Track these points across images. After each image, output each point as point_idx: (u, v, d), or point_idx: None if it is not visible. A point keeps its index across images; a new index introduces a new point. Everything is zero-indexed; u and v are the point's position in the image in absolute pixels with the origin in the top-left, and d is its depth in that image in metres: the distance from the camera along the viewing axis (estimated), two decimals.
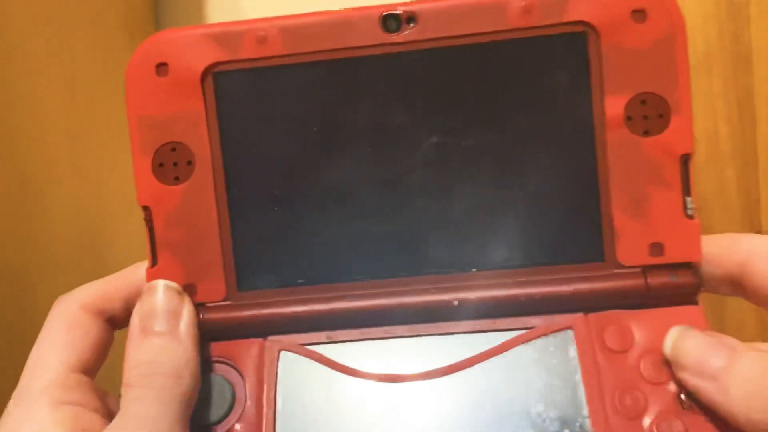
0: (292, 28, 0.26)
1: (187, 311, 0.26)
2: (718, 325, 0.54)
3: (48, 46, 0.41)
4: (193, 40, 0.26)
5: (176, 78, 0.27)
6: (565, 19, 0.25)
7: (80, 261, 0.44)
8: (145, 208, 0.27)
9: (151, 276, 0.27)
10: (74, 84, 0.45)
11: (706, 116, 0.49)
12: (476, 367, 0.26)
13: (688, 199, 0.26)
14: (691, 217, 0.26)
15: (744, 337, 0.26)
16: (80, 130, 0.45)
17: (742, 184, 0.49)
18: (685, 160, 0.26)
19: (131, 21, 0.50)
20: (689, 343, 0.24)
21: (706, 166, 0.50)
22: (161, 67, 0.27)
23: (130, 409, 0.24)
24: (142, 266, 0.28)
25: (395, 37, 0.26)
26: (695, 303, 0.26)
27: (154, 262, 0.27)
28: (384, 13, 0.26)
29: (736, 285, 0.26)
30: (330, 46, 0.26)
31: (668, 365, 0.25)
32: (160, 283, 0.27)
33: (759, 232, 0.51)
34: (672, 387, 0.25)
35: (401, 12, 0.26)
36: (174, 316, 0.26)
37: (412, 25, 0.26)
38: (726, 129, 0.49)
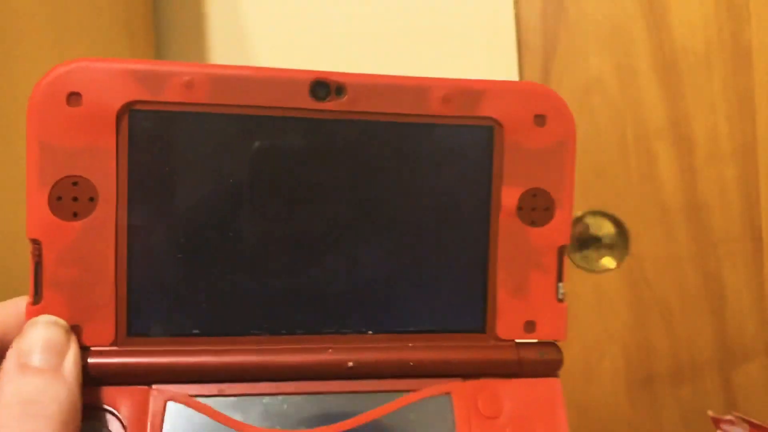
0: (221, 78, 0.26)
1: (73, 350, 0.25)
2: (719, 327, 0.55)
3: (48, 46, 0.39)
4: (114, 74, 0.25)
5: (89, 110, 0.25)
6: (478, 113, 0.28)
7: None
8: (35, 242, 0.25)
9: (33, 314, 0.25)
10: None
11: (706, 116, 0.50)
12: (361, 426, 0.27)
13: (560, 284, 0.29)
14: (561, 301, 0.29)
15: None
16: None
17: (742, 184, 0.51)
18: (562, 250, 0.29)
19: (131, 21, 0.46)
20: None
21: (706, 166, 0.51)
22: (73, 97, 0.25)
23: None
24: (22, 301, 0.26)
25: (321, 105, 0.27)
26: (557, 376, 0.29)
27: (37, 299, 0.25)
28: (314, 80, 0.27)
29: None
30: (257, 103, 0.26)
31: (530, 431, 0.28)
32: (44, 318, 0.25)
33: (759, 231, 0.52)
34: None
35: (331, 81, 0.27)
36: (58, 353, 0.24)
37: (340, 96, 0.27)
38: (726, 128, 0.50)
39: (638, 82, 0.59)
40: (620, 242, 0.61)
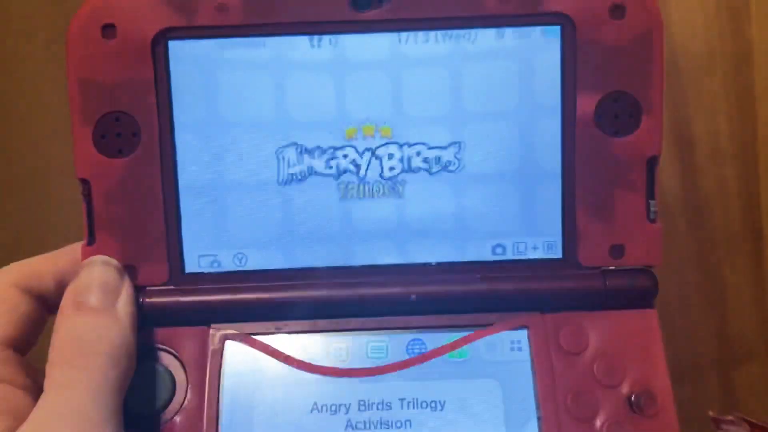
0: None
1: (126, 290, 0.24)
2: (719, 327, 0.54)
3: (48, 46, 0.40)
4: (145, 2, 0.24)
5: (124, 42, 0.24)
6: (542, 9, 0.24)
7: None
8: (84, 182, 0.25)
9: (87, 255, 0.25)
10: None
11: (706, 116, 0.49)
12: (427, 364, 0.25)
13: (652, 202, 0.25)
14: (653, 221, 0.25)
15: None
16: None
17: (742, 184, 0.49)
18: (653, 162, 0.25)
19: None
20: None
21: (707, 166, 0.50)
22: (108, 29, 0.24)
23: (55, 395, 0.21)
24: (79, 246, 0.26)
25: (363, 15, 0.24)
26: (652, 306, 0.26)
27: (91, 240, 0.25)
28: None
29: None
30: (294, 19, 0.24)
31: (621, 367, 0.25)
32: (99, 259, 0.25)
33: (759, 231, 0.51)
34: (624, 390, 0.25)
35: None
36: (112, 292, 0.24)
37: (382, 3, 0.24)
38: (726, 129, 0.49)
39: None
40: None
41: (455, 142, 0.25)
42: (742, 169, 0.49)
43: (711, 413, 0.45)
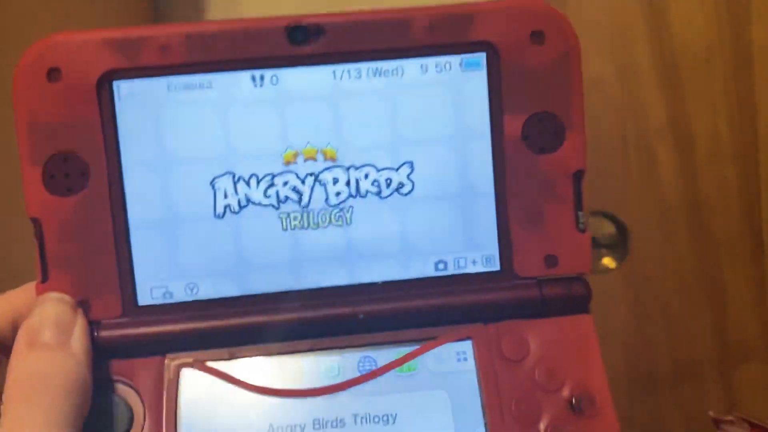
0: (195, 36, 0.26)
1: (80, 325, 0.25)
2: (719, 327, 0.54)
3: None
4: (89, 45, 0.25)
5: (70, 84, 0.25)
6: (468, 39, 0.26)
7: None
8: (35, 221, 0.26)
9: (41, 292, 0.26)
10: None
11: (706, 116, 0.49)
12: (379, 379, 0.26)
13: (580, 213, 0.27)
14: (582, 231, 0.27)
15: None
16: None
17: (743, 184, 0.50)
18: (579, 176, 0.27)
19: (131, 21, 0.48)
20: None
21: (706, 166, 0.50)
22: (53, 72, 0.25)
23: (11, 429, 0.22)
24: (34, 285, 0.26)
25: (300, 49, 0.26)
26: (587, 312, 0.27)
27: (44, 277, 0.26)
28: (289, 24, 0.26)
29: None
30: (235, 56, 0.26)
31: (560, 372, 0.26)
32: (52, 296, 0.25)
33: (759, 231, 0.51)
34: (565, 394, 0.26)
35: (308, 24, 0.26)
36: (65, 328, 0.24)
37: (318, 37, 0.26)
38: (726, 129, 0.49)
39: (639, 82, 0.58)
40: (620, 242, 0.60)
41: (407, 162, 0.27)
42: (742, 169, 0.50)
43: (711, 413, 0.46)
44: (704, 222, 0.53)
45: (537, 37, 0.26)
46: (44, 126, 0.25)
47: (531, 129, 0.27)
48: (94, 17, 0.47)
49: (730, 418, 0.45)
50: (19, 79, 0.25)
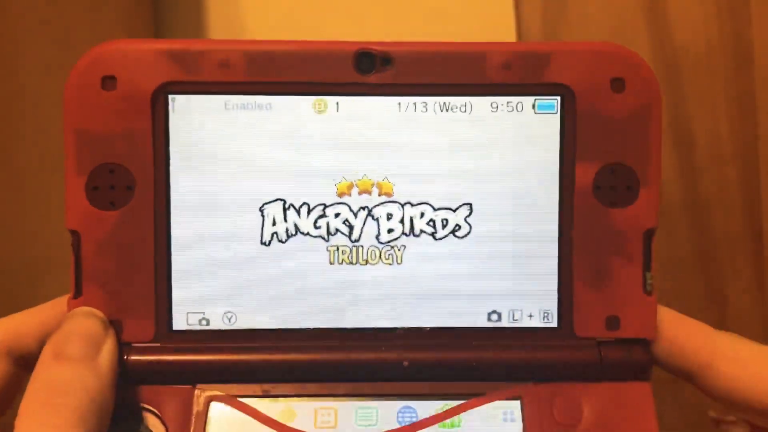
0: (258, 54, 0.24)
1: (109, 343, 0.23)
2: (719, 327, 0.53)
3: (47, 46, 0.39)
4: (147, 55, 0.24)
5: (124, 94, 0.24)
6: (544, 80, 0.25)
7: None
8: (74, 233, 0.24)
9: (73, 308, 0.24)
10: None
11: (706, 116, 0.49)
12: None
13: (648, 274, 0.25)
14: (649, 294, 0.25)
15: (746, 336, 0.26)
16: None
17: (743, 185, 0.49)
18: (649, 234, 0.25)
19: (131, 21, 0.48)
20: None
21: (707, 166, 0.49)
22: (108, 81, 0.24)
23: None
24: (64, 300, 0.25)
25: (366, 78, 0.25)
26: (647, 380, 0.25)
27: (77, 293, 0.24)
28: (358, 50, 0.24)
29: (690, 376, 0.26)
30: (297, 78, 0.24)
31: None
32: (83, 310, 0.24)
33: (760, 232, 0.50)
34: None
35: (376, 51, 0.24)
36: (94, 344, 0.23)
37: (386, 67, 0.24)
38: (726, 129, 0.49)
39: None
40: None
41: (466, 203, 0.25)
42: (742, 169, 0.49)
43: (711, 413, 0.44)
44: (704, 222, 0.51)
45: (617, 84, 0.25)
46: (93, 134, 0.24)
47: (603, 180, 0.25)
48: (95, 16, 0.46)
49: (730, 418, 0.43)
50: (72, 84, 0.24)
